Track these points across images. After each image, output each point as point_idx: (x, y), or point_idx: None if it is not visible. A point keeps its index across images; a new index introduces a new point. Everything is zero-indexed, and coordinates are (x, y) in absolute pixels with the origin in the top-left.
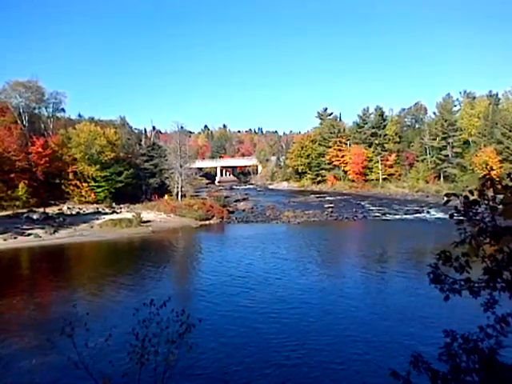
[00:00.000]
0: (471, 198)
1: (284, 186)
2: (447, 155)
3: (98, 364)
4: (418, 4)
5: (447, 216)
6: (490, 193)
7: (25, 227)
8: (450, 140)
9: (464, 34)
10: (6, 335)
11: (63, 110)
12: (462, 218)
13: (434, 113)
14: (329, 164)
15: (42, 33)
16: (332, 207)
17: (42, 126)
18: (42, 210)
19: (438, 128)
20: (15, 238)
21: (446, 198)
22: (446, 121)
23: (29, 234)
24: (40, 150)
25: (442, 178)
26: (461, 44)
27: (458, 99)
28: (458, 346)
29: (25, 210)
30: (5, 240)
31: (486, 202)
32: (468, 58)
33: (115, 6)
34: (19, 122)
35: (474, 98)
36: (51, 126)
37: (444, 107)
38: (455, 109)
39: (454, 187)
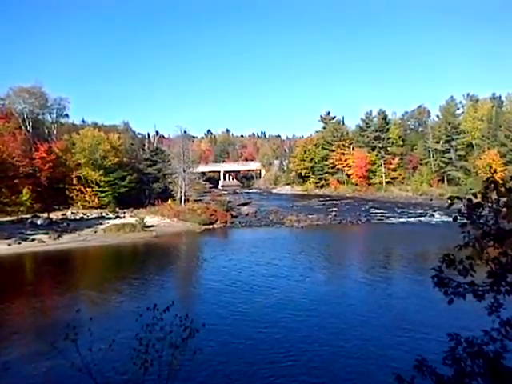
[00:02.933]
0: (475, 200)
1: (287, 189)
2: (451, 158)
3: (102, 369)
4: (421, 6)
5: (451, 219)
6: (494, 195)
7: (29, 232)
8: (454, 143)
9: (467, 36)
10: (9, 340)
11: (67, 115)
12: (465, 220)
13: (438, 116)
14: (332, 168)
15: (44, 38)
16: (335, 211)
17: (46, 131)
18: (45, 215)
19: (442, 131)
20: (19, 243)
21: (449, 201)
22: (449, 124)
23: (33, 239)
24: (44, 155)
25: (445, 181)
26: (463, 46)
27: (461, 102)
28: (463, 350)
29: (29, 216)
30: (9, 245)
31: (490, 204)
32: (471, 60)
33: (117, 11)
34: (23, 127)
35: (477, 100)
36: (55, 132)
37: (447, 110)
38: (458, 112)
39: (457, 190)
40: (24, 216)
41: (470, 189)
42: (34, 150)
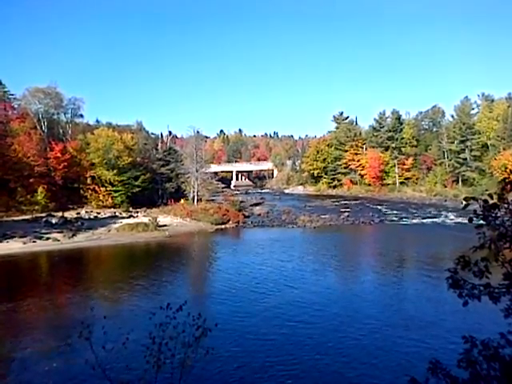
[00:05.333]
0: (490, 201)
1: (300, 190)
2: (465, 159)
3: (116, 367)
4: (434, 5)
5: (466, 220)
6: (510, 196)
7: (44, 231)
8: (469, 143)
9: (482, 35)
10: (24, 337)
11: (81, 115)
12: (481, 222)
13: (452, 116)
14: (345, 168)
15: (58, 39)
16: (348, 211)
17: (61, 131)
18: (60, 214)
19: (456, 131)
20: (34, 241)
21: (464, 202)
22: (464, 124)
23: (47, 238)
24: (59, 155)
25: (460, 182)
26: (479, 45)
27: (476, 102)
28: (478, 353)
29: (44, 214)
30: (24, 244)
31: (506, 205)
32: (487, 60)
33: (129, 12)
34: (38, 127)
35: (493, 100)
36: (70, 132)
37: (462, 110)
38: (473, 112)
39: (472, 191)
40: (39, 215)
41: (486, 190)
42: (48, 150)
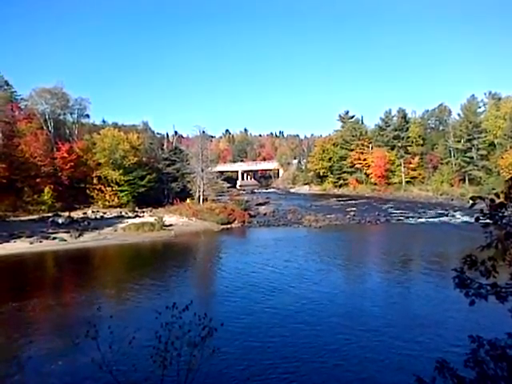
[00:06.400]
0: (497, 200)
1: (305, 189)
2: (472, 157)
3: (122, 367)
4: (440, 4)
5: (473, 220)
6: None
7: (50, 231)
8: (475, 142)
9: (487, 34)
10: (30, 337)
11: (88, 115)
12: (488, 221)
13: (459, 114)
14: (351, 167)
15: (62, 40)
16: (354, 211)
17: (67, 131)
18: (67, 214)
19: (463, 130)
20: (41, 241)
21: (471, 201)
22: (470, 122)
23: (54, 238)
24: (65, 155)
25: (467, 181)
26: (485, 45)
27: (482, 100)
28: (485, 353)
29: (50, 214)
30: (31, 243)
31: None
32: (493, 58)
33: (132, 12)
34: (45, 128)
35: (500, 98)
36: (76, 132)
37: (468, 109)
38: (480, 110)
39: (479, 190)
40: (45, 215)
41: (493, 189)
42: (55, 150)
